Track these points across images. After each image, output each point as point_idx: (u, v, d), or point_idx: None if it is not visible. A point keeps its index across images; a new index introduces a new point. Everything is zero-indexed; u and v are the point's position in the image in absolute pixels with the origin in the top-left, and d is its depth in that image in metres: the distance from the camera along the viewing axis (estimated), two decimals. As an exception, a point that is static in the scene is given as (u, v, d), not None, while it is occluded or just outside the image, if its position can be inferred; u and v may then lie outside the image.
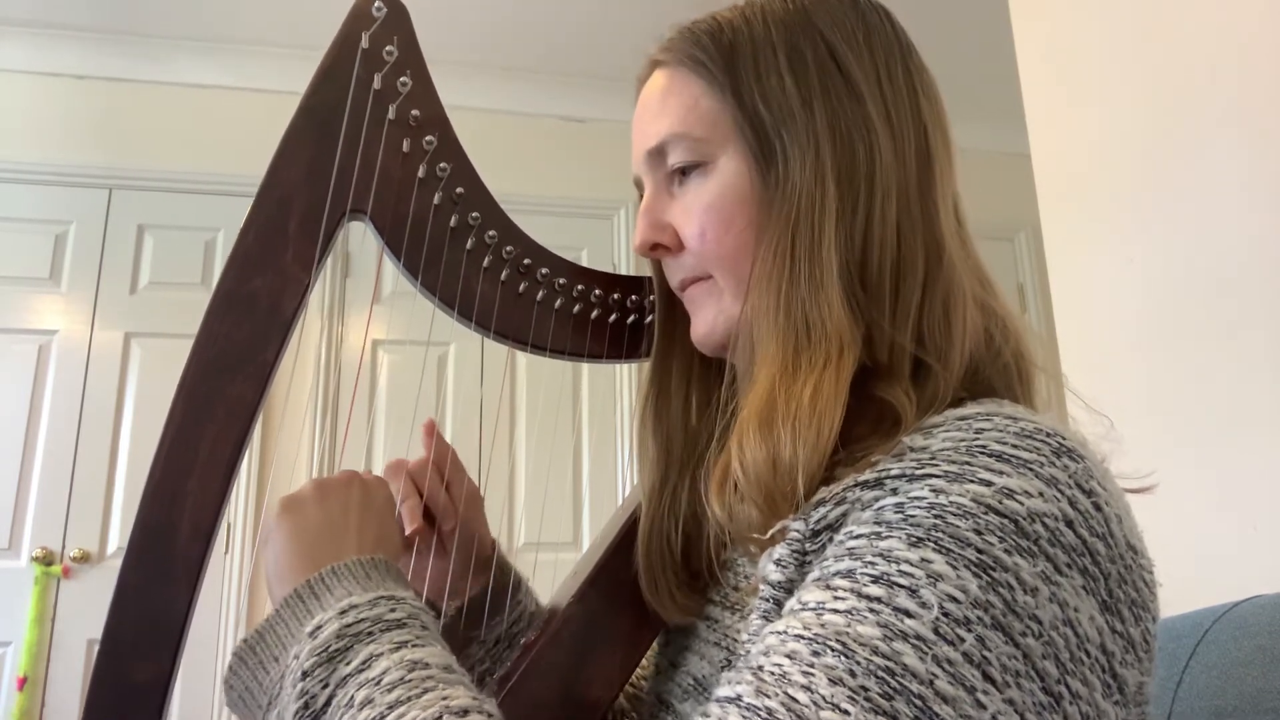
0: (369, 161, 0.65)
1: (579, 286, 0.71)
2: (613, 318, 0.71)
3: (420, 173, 0.66)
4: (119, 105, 2.92)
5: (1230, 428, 1.24)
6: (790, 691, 0.40)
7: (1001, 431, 0.47)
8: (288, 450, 2.74)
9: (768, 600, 0.49)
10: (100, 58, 2.91)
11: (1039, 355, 0.60)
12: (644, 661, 0.70)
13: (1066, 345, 1.53)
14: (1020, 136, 1.66)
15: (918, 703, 0.39)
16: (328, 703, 0.49)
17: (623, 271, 0.73)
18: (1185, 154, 1.33)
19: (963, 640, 0.40)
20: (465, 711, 0.47)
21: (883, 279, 0.55)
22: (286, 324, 0.61)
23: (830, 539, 0.47)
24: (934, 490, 0.44)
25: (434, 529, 0.73)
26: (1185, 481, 1.27)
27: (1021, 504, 0.43)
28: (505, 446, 2.87)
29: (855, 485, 0.48)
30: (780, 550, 0.49)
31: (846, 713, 0.39)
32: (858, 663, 0.40)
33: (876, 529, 0.45)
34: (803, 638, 0.42)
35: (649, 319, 0.72)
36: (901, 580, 0.42)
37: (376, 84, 0.65)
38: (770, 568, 0.49)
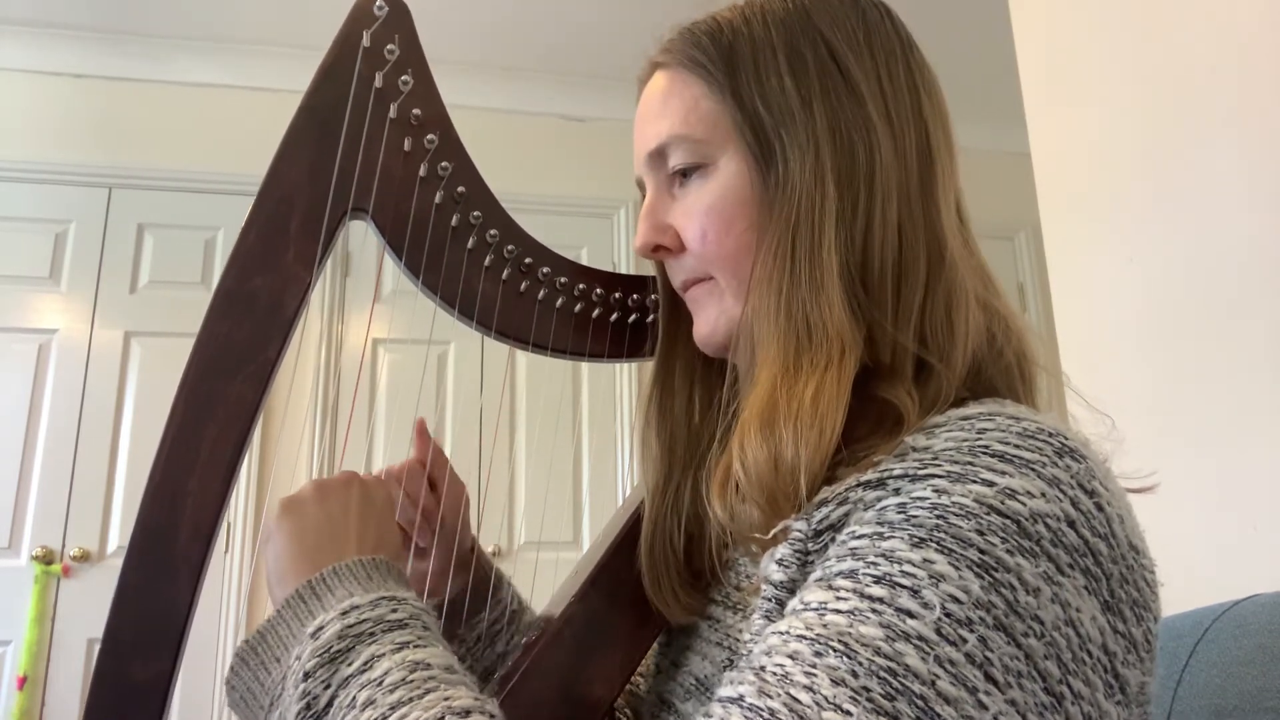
0: (370, 160, 0.65)
1: (580, 285, 0.71)
2: (614, 317, 0.71)
3: (422, 171, 0.66)
4: (118, 105, 2.92)
5: (1230, 428, 1.24)
6: (793, 692, 0.40)
7: (1004, 432, 0.47)
8: (288, 450, 2.74)
9: (770, 600, 0.49)
10: (99, 57, 2.91)
11: (1041, 355, 0.60)
12: (645, 661, 0.70)
13: (1066, 345, 1.53)
14: (1020, 136, 1.66)
15: (920, 703, 0.39)
16: (330, 703, 0.49)
17: (623, 271, 0.73)
18: (1185, 154, 1.33)
19: (965, 641, 0.40)
20: (467, 712, 0.47)
21: (884, 279, 0.55)
22: (287, 323, 0.61)
23: (832, 539, 0.47)
24: (936, 490, 0.44)
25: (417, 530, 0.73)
26: (1185, 481, 1.27)
27: (1024, 504, 0.43)
28: (505, 446, 2.87)
29: (858, 485, 0.48)
30: (782, 550, 0.49)
31: (849, 713, 0.39)
32: (860, 663, 0.40)
33: (879, 529, 0.45)
34: (805, 638, 0.42)
35: (650, 318, 0.72)
36: (904, 581, 0.42)
37: (378, 82, 0.65)
38: (772, 567, 0.49)
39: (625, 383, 3.03)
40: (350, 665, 0.50)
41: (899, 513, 0.45)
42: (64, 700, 2.46)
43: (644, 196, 0.65)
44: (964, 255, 0.58)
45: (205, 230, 2.87)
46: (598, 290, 0.71)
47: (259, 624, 0.56)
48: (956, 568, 0.42)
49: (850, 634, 0.41)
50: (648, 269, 0.70)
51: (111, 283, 2.79)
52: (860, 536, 0.45)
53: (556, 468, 3.00)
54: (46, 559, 2.54)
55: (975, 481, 0.44)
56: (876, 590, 0.42)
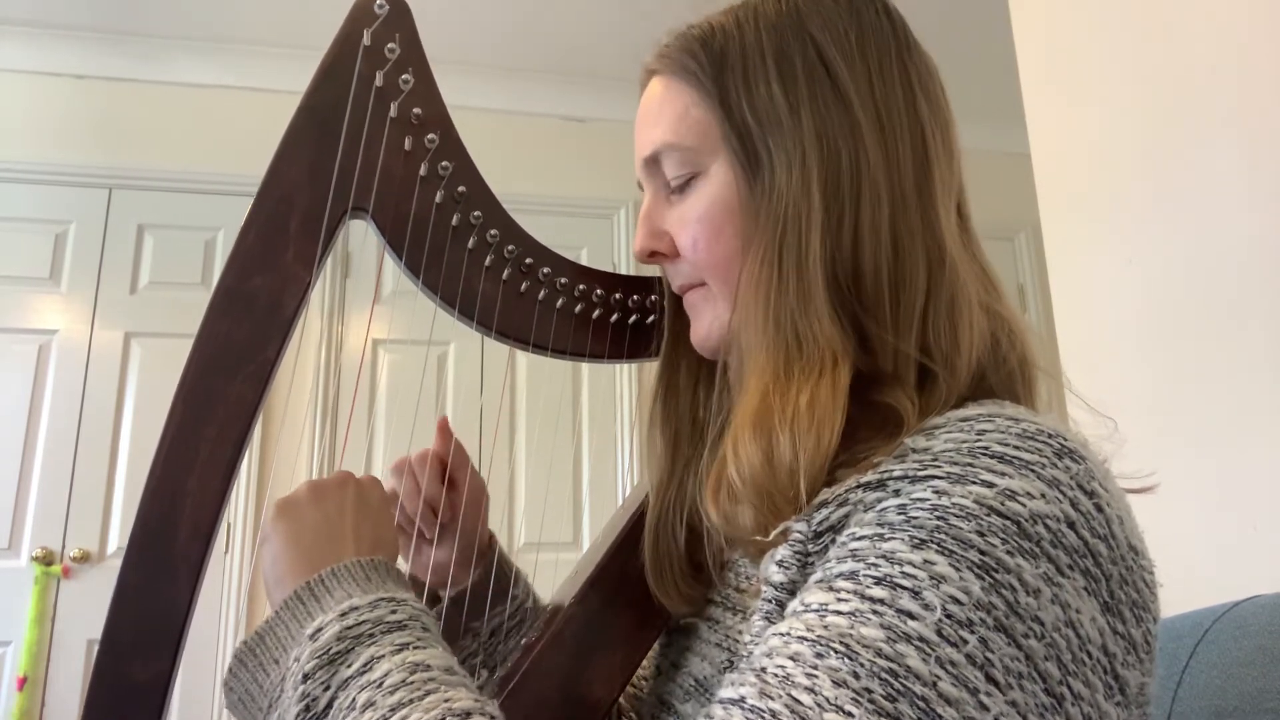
0: (370, 160, 0.65)
1: (580, 286, 0.70)
2: (614, 317, 0.71)
3: (422, 171, 0.66)
4: (118, 105, 2.92)
5: (1230, 428, 1.24)
6: (794, 693, 0.40)
7: (1003, 433, 0.47)
8: (288, 450, 2.74)
9: (770, 601, 0.49)
10: (100, 58, 2.91)
11: (1042, 358, 0.60)
12: (645, 662, 0.70)
13: (1066, 345, 1.53)
14: (1020, 136, 1.66)
15: (921, 704, 0.39)
16: (329, 705, 0.49)
17: (623, 271, 0.73)
18: (1185, 154, 1.33)
19: (966, 642, 0.40)
20: (468, 714, 0.47)
21: (879, 288, 0.54)
22: (287, 323, 0.61)
23: (833, 540, 0.47)
24: (936, 492, 0.44)
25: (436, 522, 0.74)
26: (1185, 481, 1.26)
27: (1024, 505, 0.43)
28: (505, 446, 2.87)
29: (858, 486, 0.48)
30: (783, 551, 0.49)
31: (850, 714, 0.39)
32: (861, 664, 0.40)
33: (879, 530, 0.45)
34: (806, 639, 0.42)
35: (650, 319, 0.72)
36: (904, 582, 0.42)
37: (378, 81, 0.65)
38: (772, 569, 0.49)
39: (625, 383, 3.03)
40: (350, 667, 0.50)
41: (899, 514, 0.45)
42: (64, 701, 2.46)
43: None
44: (965, 259, 0.57)
45: (205, 231, 2.87)
46: (598, 291, 0.71)
47: (257, 625, 0.55)
48: (957, 569, 0.42)
49: (851, 635, 0.41)
50: (647, 270, 0.70)
51: (111, 283, 2.79)
52: (861, 538, 0.45)
53: (556, 468, 3.00)
54: (46, 560, 2.54)
55: (975, 483, 0.44)
56: (877, 591, 0.42)
